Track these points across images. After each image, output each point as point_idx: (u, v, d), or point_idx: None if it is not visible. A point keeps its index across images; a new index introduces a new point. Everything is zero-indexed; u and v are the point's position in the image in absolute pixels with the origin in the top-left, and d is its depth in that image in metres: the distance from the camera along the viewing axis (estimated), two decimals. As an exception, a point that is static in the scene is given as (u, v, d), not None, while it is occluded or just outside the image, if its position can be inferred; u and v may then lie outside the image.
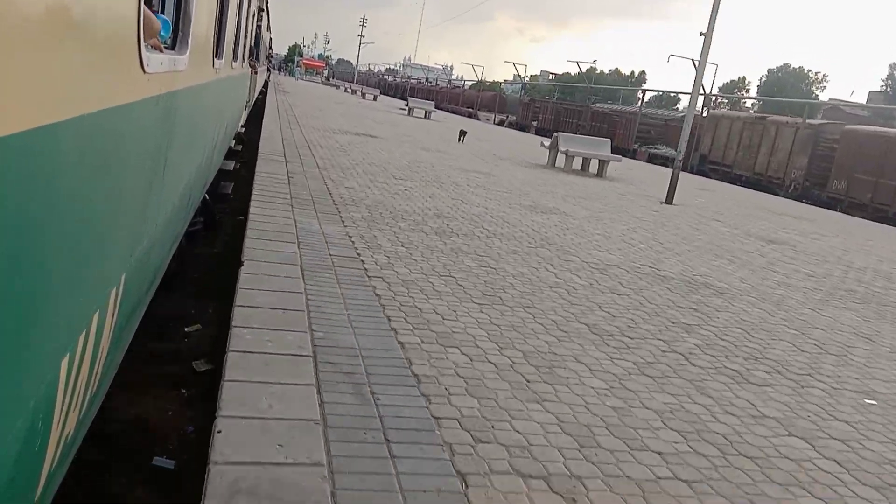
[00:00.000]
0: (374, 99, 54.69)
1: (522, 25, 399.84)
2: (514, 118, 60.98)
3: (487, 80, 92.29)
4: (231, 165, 10.63)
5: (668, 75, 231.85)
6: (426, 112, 38.78)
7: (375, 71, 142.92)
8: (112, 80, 1.78)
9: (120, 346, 2.69)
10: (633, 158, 36.60)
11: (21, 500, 1.54)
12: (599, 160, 18.81)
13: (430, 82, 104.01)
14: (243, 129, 14.45)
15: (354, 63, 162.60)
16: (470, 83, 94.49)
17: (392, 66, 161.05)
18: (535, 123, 56.72)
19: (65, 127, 1.39)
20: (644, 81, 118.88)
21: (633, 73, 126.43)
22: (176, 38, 3.18)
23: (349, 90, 69.33)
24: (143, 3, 2.01)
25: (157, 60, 2.32)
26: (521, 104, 63.30)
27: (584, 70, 65.30)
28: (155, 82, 2.35)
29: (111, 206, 1.97)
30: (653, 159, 38.27)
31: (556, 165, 18.88)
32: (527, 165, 18.27)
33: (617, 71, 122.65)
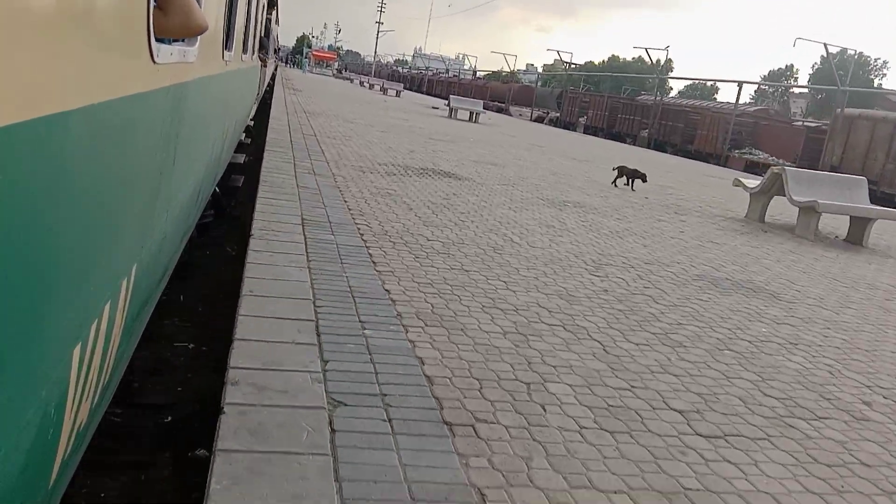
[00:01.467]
0: (398, 95, 47.11)
1: (528, 15, 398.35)
2: (555, 114, 54.30)
3: (501, 70, 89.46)
4: (241, 158, 10.65)
5: (684, 64, 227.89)
6: (472, 113, 30.40)
7: (384, 62, 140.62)
8: (122, 70, 1.79)
9: (132, 335, 2.71)
10: (725, 166, 30.33)
11: (35, 488, 1.55)
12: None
13: (451, 74, 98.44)
14: (252, 122, 14.47)
15: (362, 54, 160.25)
16: (483, 74, 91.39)
17: (400, 57, 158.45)
18: (582, 120, 49.83)
19: (74, 116, 1.39)
20: (671, 70, 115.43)
21: (658, 61, 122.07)
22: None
23: (366, 84, 61.40)
24: (175, 3, 2.01)
25: (166, 51, 2.33)
26: (566, 98, 55.01)
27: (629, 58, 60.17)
28: (165, 73, 2.35)
29: (121, 197, 1.98)
30: (751, 168, 30.48)
31: (769, 220, 11.17)
32: (726, 227, 10.16)
33: (640, 60, 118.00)
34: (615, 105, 48.08)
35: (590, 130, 46.71)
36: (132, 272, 2.25)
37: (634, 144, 39.53)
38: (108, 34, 1.62)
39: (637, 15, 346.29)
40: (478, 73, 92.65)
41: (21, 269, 1.22)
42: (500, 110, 57.21)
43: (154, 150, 2.40)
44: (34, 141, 1.20)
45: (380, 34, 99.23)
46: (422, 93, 69.30)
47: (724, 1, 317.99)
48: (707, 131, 37.18)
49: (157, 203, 2.65)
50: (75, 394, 1.71)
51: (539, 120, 54.61)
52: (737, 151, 34.96)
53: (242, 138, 11.64)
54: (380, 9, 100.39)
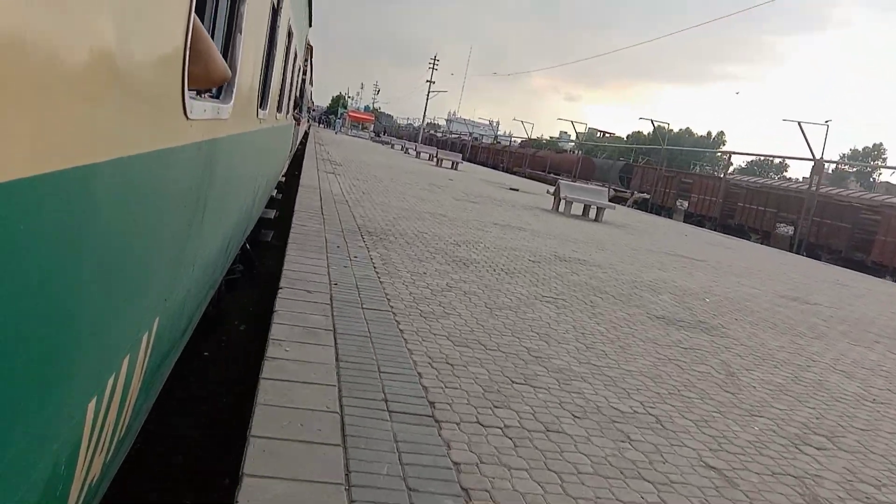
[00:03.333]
0: (455, 167, 38.84)
1: (557, 84, 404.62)
2: (641, 195, 42.63)
3: (530, 136, 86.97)
4: (272, 214, 10.79)
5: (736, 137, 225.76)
6: (592, 209, 20.69)
7: (416, 126, 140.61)
8: (154, 124, 1.81)
9: (151, 390, 2.67)
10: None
11: None
12: None
13: (498, 141, 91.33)
14: (283, 179, 14.75)
15: (395, 116, 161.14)
16: (519, 140, 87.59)
17: (431, 121, 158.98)
18: (681, 205, 40.85)
19: (103, 168, 1.40)
20: (723, 143, 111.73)
21: (709, 133, 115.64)
22: (222, 87, 3.25)
23: (412, 151, 51.92)
24: (195, 53, 2.05)
25: (200, 107, 2.36)
26: (638, 172, 47.89)
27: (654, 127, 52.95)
28: (197, 129, 2.38)
29: (147, 249, 1.98)
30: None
31: None
32: None
33: (689, 131, 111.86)
34: (735, 191, 37.30)
35: (693, 219, 37.36)
36: (154, 326, 2.24)
37: (767, 244, 29.81)
38: (142, 89, 1.65)
39: (662, 88, 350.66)
40: (513, 139, 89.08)
41: (37, 320, 1.20)
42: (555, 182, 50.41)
43: (183, 204, 2.42)
44: (62, 191, 1.20)
45: (430, 95, 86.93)
46: (471, 161, 60.80)
47: (766, 76, 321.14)
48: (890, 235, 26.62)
49: (184, 256, 2.65)
50: (88, 448, 1.67)
51: (616, 200, 39.33)
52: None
53: (274, 194, 11.82)
54: (432, 66, 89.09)
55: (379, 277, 6.89)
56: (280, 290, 5.66)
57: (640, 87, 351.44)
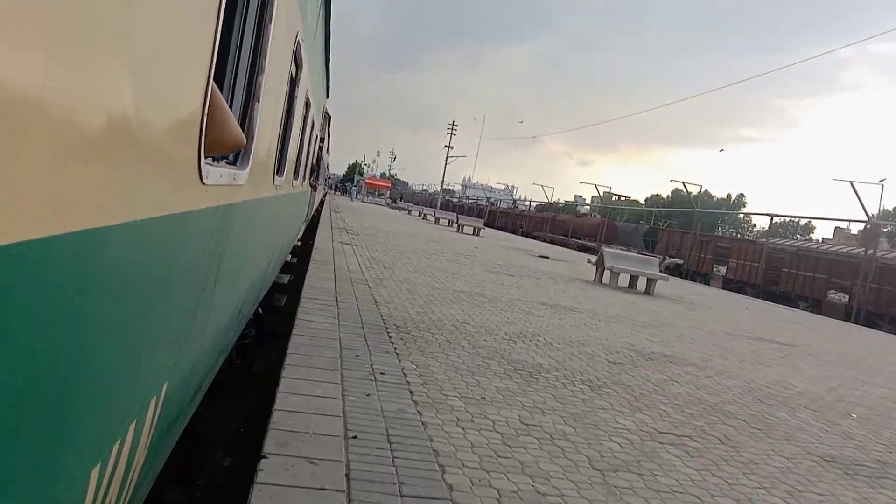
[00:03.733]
0: (476, 233, 37.82)
1: (570, 149, 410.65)
2: (673, 260, 40.30)
3: (550, 200, 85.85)
4: (286, 279, 10.82)
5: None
6: (639, 280, 18.70)
7: (431, 191, 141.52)
8: (168, 188, 1.83)
9: (158, 457, 2.63)
10: None
11: None
12: None
13: (516, 205, 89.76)
14: (300, 243, 14.95)
15: (409, 183, 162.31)
16: (535, 204, 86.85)
17: (447, 186, 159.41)
18: (717, 270, 38.69)
19: (117, 231, 1.40)
20: (743, 205, 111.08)
21: (728, 195, 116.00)
22: (238, 154, 3.30)
23: (430, 217, 50.33)
24: (211, 120, 2.10)
25: (216, 173, 2.39)
26: (663, 237, 45.79)
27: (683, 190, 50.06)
28: (213, 194, 2.41)
29: (158, 313, 1.97)
30: None
31: None
32: None
33: (707, 193, 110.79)
34: (777, 255, 35.12)
35: (732, 286, 35.46)
36: (162, 391, 2.21)
37: (818, 312, 28.43)
38: (158, 154, 1.67)
39: (674, 152, 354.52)
40: (530, 202, 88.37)
41: (41, 383, 1.19)
42: (583, 249, 47.06)
43: (196, 268, 2.42)
44: (73, 253, 1.21)
45: (448, 161, 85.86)
46: (489, 226, 58.30)
47: (779, 138, 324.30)
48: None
49: (196, 321, 2.64)
50: None
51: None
52: None
53: (288, 258, 11.89)
54: (450, 131, 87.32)
55: (420, 414, 4.66)
56: (263, 462, 3.39)
57: (653, 151, 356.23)
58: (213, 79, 2.06)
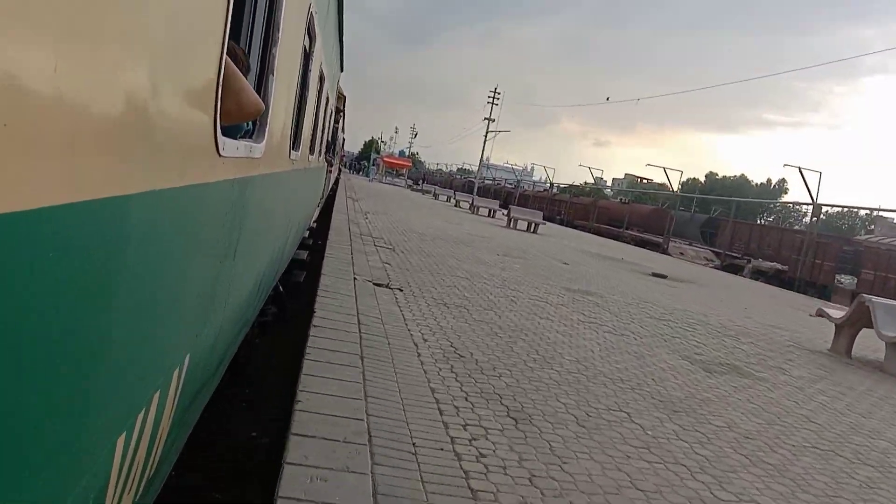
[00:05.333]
0: (533, 230, 29.07)
1: (587, 129, 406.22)
2: (773, 265, 32.55)
3: (585, 184, 76.84)
4: (304, 255, 10.86)
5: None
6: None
7: (446, 171, 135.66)
8: (187, 160, 1.82)
9: (183, 427, 2.66)
10: None
11: None
12: None
13: (538, 187, 78.48)
14: (315, 225, 14.72)
15: (427, 163, 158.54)
16: (555, 185, 77.30)
17: (460, 166, 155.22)
18: (841, 282, 30.60)
19: (135, 200, 1.41)
20: (786, 192, 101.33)
21: (769, 180, 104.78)
22: (254, 127, 3.30)
23: (465, 204, 41.59)
24: (229, 88, 2.09)
25: (232, 146, 2.39)
26: (731, 229, 38.54)
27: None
28: (230, 166, 2.40)
29: (179, 283, 1.98)
30: None
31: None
32: None
33: (743, 177, 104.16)
34: None
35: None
36: (185, 362, 2.23)
37: None
38: (175, 126, 1.67)
39: (695, 135, 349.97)
40: (554, 185, 78.21)
41: (66, 351, 1.19)
42: (641, 243, 39.94)
43: (215, 240, 2.43)
44: (93, 221, 1.21)
45: (489, 136, 71.77)
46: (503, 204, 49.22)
47: (801, 123, 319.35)
48: None
49: (216, 293, 2.66)
50: (117, 485, 1.65)
51: (732, 269, 33.11)
52: None
53: (305, 236, 11.92)
54: (492, 100, 72.32)
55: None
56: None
57: (670, 133, 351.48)
58: (227, 52, 2.05)
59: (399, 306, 7.33)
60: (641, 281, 16.26)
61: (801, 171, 32.29)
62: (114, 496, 1.64)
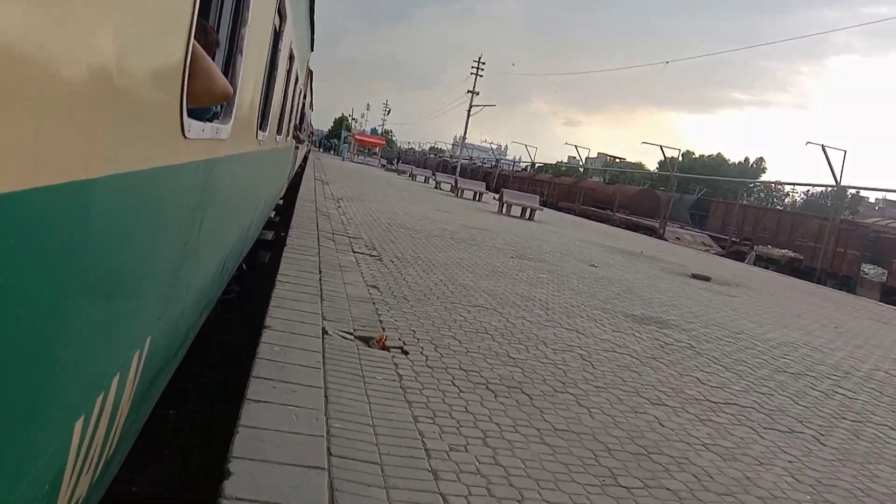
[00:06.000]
0: (528, 216, 26.35)
1: (557, 109, 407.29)
2: (785, 252, 29.63)
3: (561, 163, 75.64)
4: (270, 235, 10.78)
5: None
6: None
7: (418, 150, 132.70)
8: (151, 142, 1.81)
9: (141, 410, 2.65)
10: None
11: None
12: None
13: (516, 167, 75.20)
14: (282, 201, 14.62)
15: (398, 141, 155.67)
16: (525, 165, 75.41)
17: (433, 144, 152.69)
18: (866, 272, 27.50)
19: (100, 183, 1.40)
20: (763, 171, 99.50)
21: (746, 159, 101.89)
22: (221, 108, 3.26)
23: (445, 186, 39.05)
24: (193, 67, 2.07)
25: (198, 127, 2.37)
26: (737, 213, 35.36)
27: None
28: (195, 148, 2.39)
29: (141, 266, 1.97)
30: None
31: None
32: None
33: (720, 156, 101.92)
34: None
35: (894, 298, 23.04)
36: (146, 344, 2.22)
37: None
38: (140, 107, 1.65)
39: (662, 114, 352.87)
40: (522, 163, 76.52)
41: (24, 333, 1.19)
42: (631, 227, 37.20)
43: (179, 223, 2.41)
44: (57, 205, 1.20)
45: (473, 111, 63.22)
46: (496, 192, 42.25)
47: (769, 102, 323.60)
48: None
49: (179, 275, 2.64)
50: (74, 468, 1.65)
51: (735, 256, 30.98)
52: None
53: (272, 216, 11.82)
54: (475, 70, 63.63)
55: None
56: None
57: (641, 112, 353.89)
58: (196, 27, 2.03)
59: (412, 410, 4.00)
60: (693, 290, 13.28)
61: (824, 150, 29.09)
62: (71, 479, 1.64)
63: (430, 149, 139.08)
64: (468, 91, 62.91)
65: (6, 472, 1.23)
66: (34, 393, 1.30)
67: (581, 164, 62.19)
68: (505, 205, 27.10)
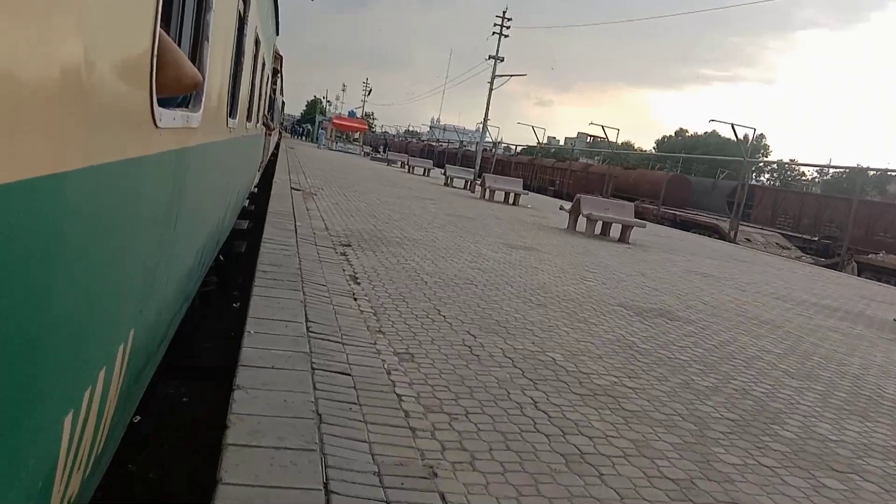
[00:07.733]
0: (513, 200, 23.63)
1: (529, 89, 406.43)
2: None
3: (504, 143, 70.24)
4: (245, 224, 10.70)
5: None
6: None
7: (392, 133, 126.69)
8: (122, 133, 1.79)
9: (129, 403, 2.64)
10: None
11: None
12: None
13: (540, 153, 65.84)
14: (256, 190, 14.48)
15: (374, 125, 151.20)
16: (521, 149, 69.82)
17: (407, 127, 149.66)
18: None
19: (73, 177, 1.38)
20: (765, 148, 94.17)
21: (746, 136, 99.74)
22: (190, 95, 3.22)
23: (458, 181, 30.43)
24: (161, 57, 2.03)
25: (169, 116, 2.34)
26: (781, 200, 30.49)
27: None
28: (167, 138, 2.36)
29: (119, 260, 1.95)
30: None
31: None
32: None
33: (715, 133, 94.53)
34: None
35: None
36: (130, 337, 2.21)
37: None
38: (110, 97, 1.63)
39: (632, 92, 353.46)
40: (512, 147, 70.44)
41: (8, 333, 1.18)
42: (699, 228, 29.04)
43: (155, 214, 2.39)
44: (30, 201, 1.18)
45: (499, 81, 52.38)
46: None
47: (737, 77, 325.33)
48: None
49: (158, 267, 2.62)
50: (66, 465, 1.64)
51: (830, 264, 22.46)
52: None
53: (246, 204, 11.72)
54: (500, 28, 52.41)
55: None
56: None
57: (611, 91, 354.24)
58: (161, 18, 2.00)
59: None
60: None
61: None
62: (63, 476, 1.64)
63: (405, 132, 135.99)
64: (489, 56, 51.95)
65: (3, 472, 1.22)
66: (23, 389, 1.29)
67: (601, 143, 53.56)
68: (502, 193, 23.38)
